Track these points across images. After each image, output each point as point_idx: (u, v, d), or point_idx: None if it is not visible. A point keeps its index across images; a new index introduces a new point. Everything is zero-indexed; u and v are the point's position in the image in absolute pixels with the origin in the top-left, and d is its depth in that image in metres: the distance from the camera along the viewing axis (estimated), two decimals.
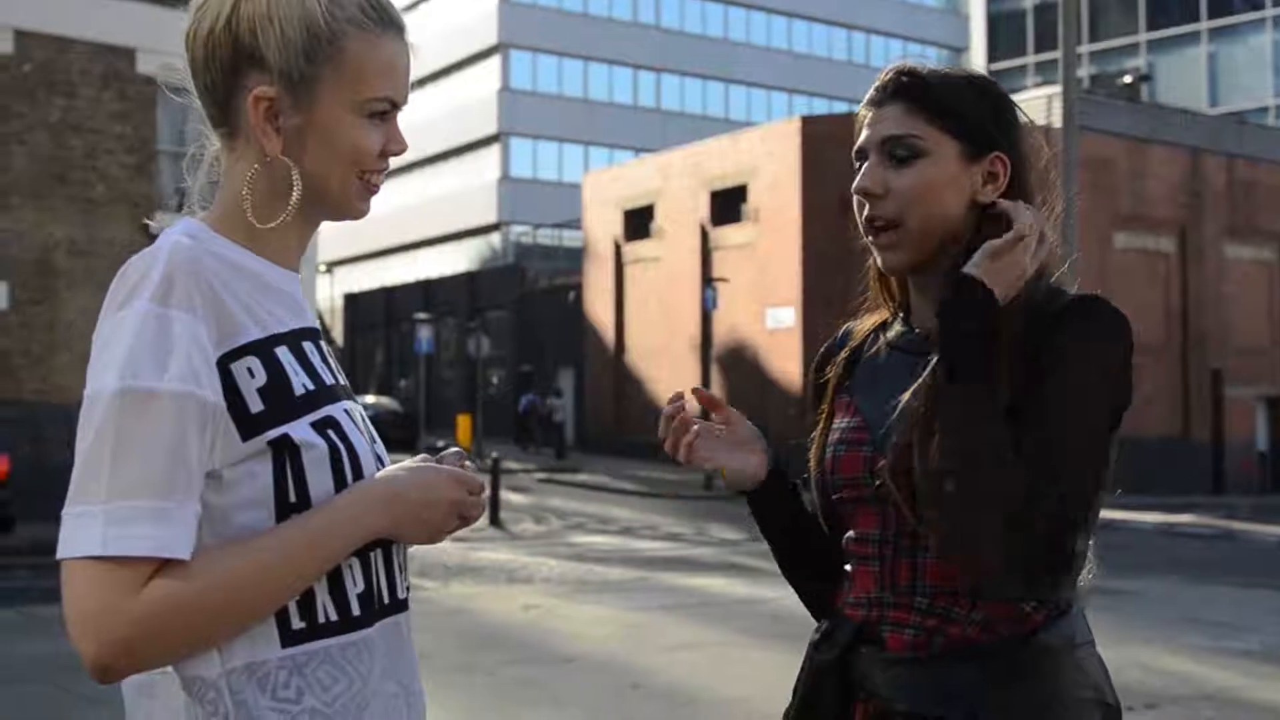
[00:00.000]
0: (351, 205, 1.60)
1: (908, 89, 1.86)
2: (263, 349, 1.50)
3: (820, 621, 1.96)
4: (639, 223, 37.04)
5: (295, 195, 1.54)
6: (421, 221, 60.07)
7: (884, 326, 2.01)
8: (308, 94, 1.53)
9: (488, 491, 15.77)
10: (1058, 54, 12.33)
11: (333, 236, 57.44)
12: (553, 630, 10.30)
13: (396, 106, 1.59)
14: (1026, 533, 1.65)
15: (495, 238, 56.96)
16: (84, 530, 1.37)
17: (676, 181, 35.45)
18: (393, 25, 1.58)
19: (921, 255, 1.87)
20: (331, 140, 1.54)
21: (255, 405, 1.47)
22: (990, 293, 1.74)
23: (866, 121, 1.90)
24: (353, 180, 1.58)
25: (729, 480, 1.99)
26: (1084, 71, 47.99)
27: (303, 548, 1.46)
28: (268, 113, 1.53)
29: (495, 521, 20.22)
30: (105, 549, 1.36)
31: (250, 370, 1.47)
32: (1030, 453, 1.68)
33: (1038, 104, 28.45)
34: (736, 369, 32.35)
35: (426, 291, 50.66)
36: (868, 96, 1.92)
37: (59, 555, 1.39)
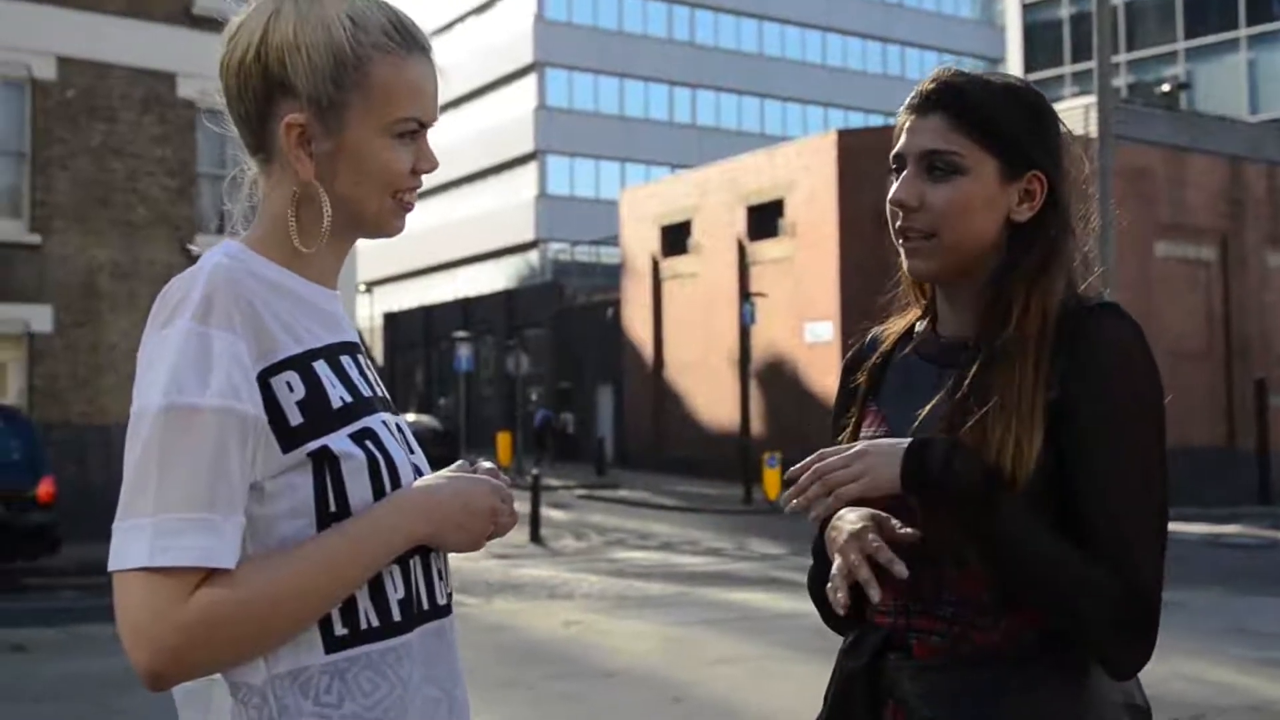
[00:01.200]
0: (387, 224, 1.64)
1: (952, 101, 1.85)
2: (301, 364, 1.54)
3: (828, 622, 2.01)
4: (676, 238, 37.08)
5: (326, 220, 1.59)
6: (459, 240, 60.35)
7: (911, 332, 2.01)
8: (337, 119, 1.57)
9: (527, 508, 15.77)
10: (1094, 64, 12.29)
11: (372, 256, 57.78)
12: (593, 645, 10.32)
13: (425, 126, 1.62)
14: (1150, 630, 1.75)
15: (533, 255, 57.16)
16: (133, 543, 1.42)
17: (713, 197, 35.48)
18: (418, 47, 1.61)
19: (949, 267, 1.87)
20: (363, 162, 1.58)
21: (295, 418, 1.51)
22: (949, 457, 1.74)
23: (906, 127, 1.89)
24: (387, 200, 1.61)
25: None
26: (1121, 81, 47.74)
27: (345, 555, 1.49)
28: (300, 138, 1.57)
29: (536, 538, 20.24)
30: (153, 560, 1.40)
31: (289, 384, 1.51)
32: (1109, 537, 1.72)
33: (1075, 114, 28.31)
34: (775, 383, 32.31)
35: (465, 310, 50.89)
36: (909, 101, 1.90)
37: (110, 567, 1.43)
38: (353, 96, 1.57)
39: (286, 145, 1.57)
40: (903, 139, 1.89)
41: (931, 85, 1.88)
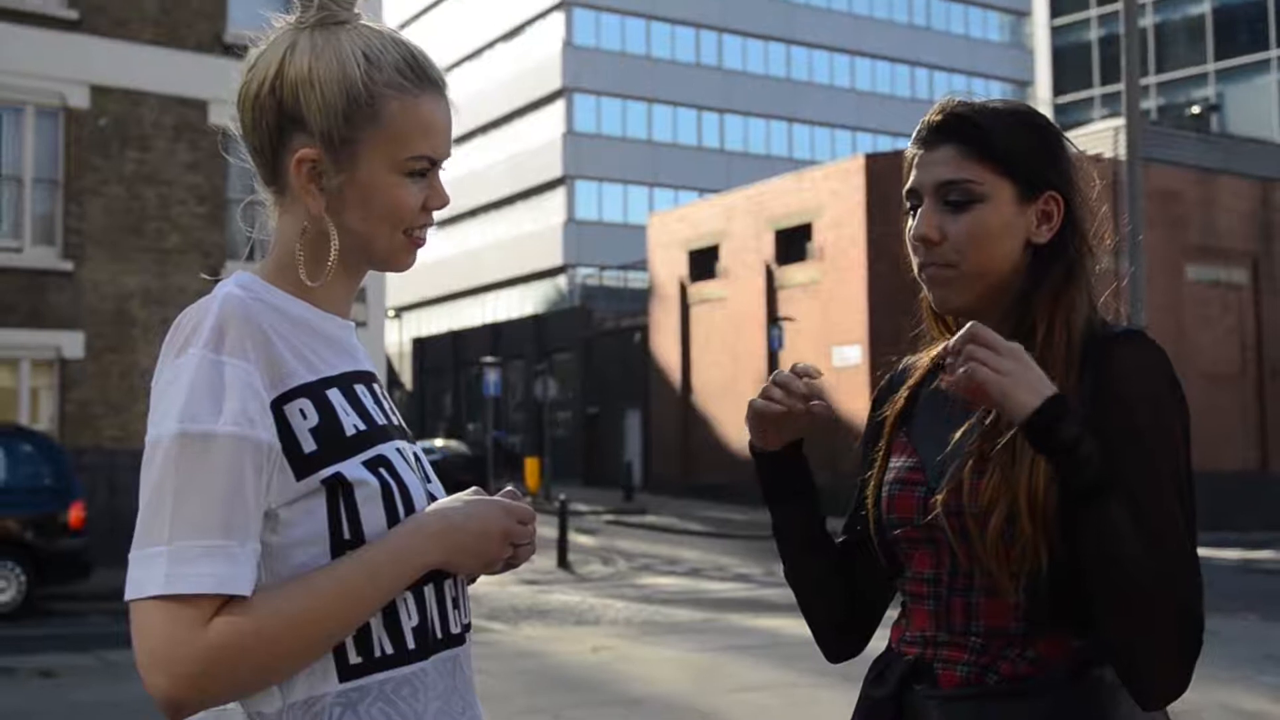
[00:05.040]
0: (397, 259, 1.65)
1: (961, 130, 1.84)
2: (314, 391, 1.54)
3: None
4: (704, 263, 37.10)
5: (333, 254, 1.59)
6: (488, 265, 60.51)
7: (942, 364, 2.00)
8: (349, 155, 1.58)
9: (555, 534, 15.65)
10: (1122, 86, 12.25)
11: (401, 281, 57.97)
12: (621, 672, 10.28)
13: (436, 163, 1.63)
14: (1195, 656, 1.70)
15: (561, 280, 57.26)
16: (150, 571, 1.42)
17: (741, 221, 35.50)
18: (431, 84, 1.62)
19: (974, 296, 1.86)
20: (373, 199, 1.59)
21: (308, 445, 1.51)
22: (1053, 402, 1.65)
23: (916, 162, 1.88)
24: (397, 236, 1.62)
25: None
26: (1151, 103, 47.58)
27: (362, 581, 1.49)
28: (310, 173, 1.58)
29: (563, 564, 20.22)
30: (170, 588, 1.40)
31: (302, 412, 1.52)
32: (1154, 550, 1.67)
33: (1104, 137, 28.25)
34: None
35: (494, 335, 50.99)
36: (917, 134, 1.89)
37: (127, 597, 1.43)
38: (365, 134, 1.57)
39: (297, 180, 1.58)
40: (914, 174, 1.88)
41: (939, 117, 1.86)
